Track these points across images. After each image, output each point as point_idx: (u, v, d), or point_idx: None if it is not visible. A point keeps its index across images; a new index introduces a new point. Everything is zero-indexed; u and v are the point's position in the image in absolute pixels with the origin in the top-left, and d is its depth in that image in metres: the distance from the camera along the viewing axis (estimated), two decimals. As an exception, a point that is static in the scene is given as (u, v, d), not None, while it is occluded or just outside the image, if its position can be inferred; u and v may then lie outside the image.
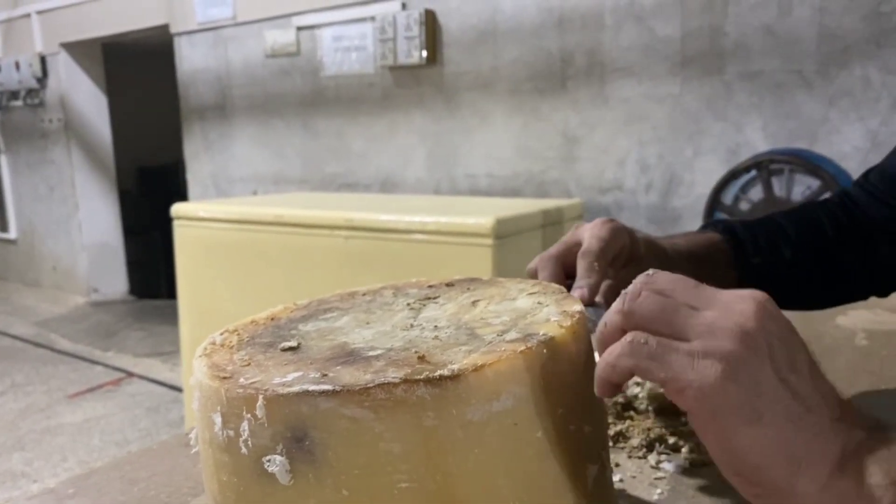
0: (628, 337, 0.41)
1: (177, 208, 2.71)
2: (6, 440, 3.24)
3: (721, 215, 2.50)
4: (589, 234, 0.64)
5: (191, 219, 2.66)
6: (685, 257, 0.71)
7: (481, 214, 2.11)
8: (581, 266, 0.61)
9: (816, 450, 0.38)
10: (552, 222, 2.44)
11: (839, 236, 0.78)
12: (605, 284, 0.62)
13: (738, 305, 0.40)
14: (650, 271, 0.44)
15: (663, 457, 0.67)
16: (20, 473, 2.93)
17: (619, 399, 0.76)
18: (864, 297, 0.82)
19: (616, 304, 0.44)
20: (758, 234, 0.76)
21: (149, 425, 3.39)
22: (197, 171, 4.63)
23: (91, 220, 5.76)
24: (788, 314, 0.46)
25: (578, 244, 0.64)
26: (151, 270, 6.10)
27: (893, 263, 0.78)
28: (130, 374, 4.09)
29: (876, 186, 0.80)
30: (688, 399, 0.39)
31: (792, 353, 0.40)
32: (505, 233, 2.09)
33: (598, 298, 0.60)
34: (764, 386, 0.38)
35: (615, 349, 0.42)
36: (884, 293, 0.81)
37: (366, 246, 2.26)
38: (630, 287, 0.44)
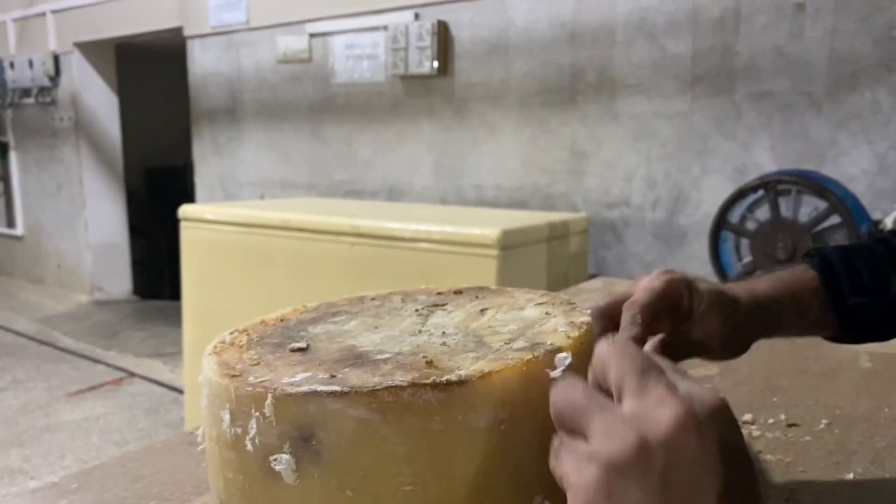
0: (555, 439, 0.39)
1: (184, 210, 2.73)
2: (5, 436, 3.25)
3: (727, 234, 2.50)
4: (642, 285, 0.60)
5: (198, 220, 2.67)
6: (764, 306, 0.64)
7: (487, 225, 2.12)
8: (623, 318, 0.57)
9: None
10: (558, 235, 2.45)
11: None
12: (652, 340, 0.59)
13: (658, 409, 0.35)
14: (604, 342, 0.40)
15: (664, 471, 0.67)
16: (18, 470, 2.93)
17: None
18: None
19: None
20: (860, 267, 0.67)
21: (148, 426, 3.39)
22: (205, 173, 4.64)
23: (97, 220, 5.78)
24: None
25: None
26: (155, 271, 6.11)
27: None
28: (131, 374, 4.09)
29: None
30: (569, 499, 0.36)
31: (700, 478, 0.34)
32: (510, 244, 2.10)
33: None
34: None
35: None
36: None
37: (371, 253, 2.27)
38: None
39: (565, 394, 0.39)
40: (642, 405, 0.35)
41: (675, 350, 0.61)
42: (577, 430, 0.37)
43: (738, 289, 0.65)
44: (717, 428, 0.35)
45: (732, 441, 0.36)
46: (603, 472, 0.34)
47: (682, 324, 0.61)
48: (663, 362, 0.39)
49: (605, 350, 0.39)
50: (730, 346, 0.64)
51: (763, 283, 0.66)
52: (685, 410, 0.34)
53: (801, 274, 0.68)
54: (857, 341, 0.70)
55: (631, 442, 0.34)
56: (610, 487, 0.34)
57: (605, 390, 0.39)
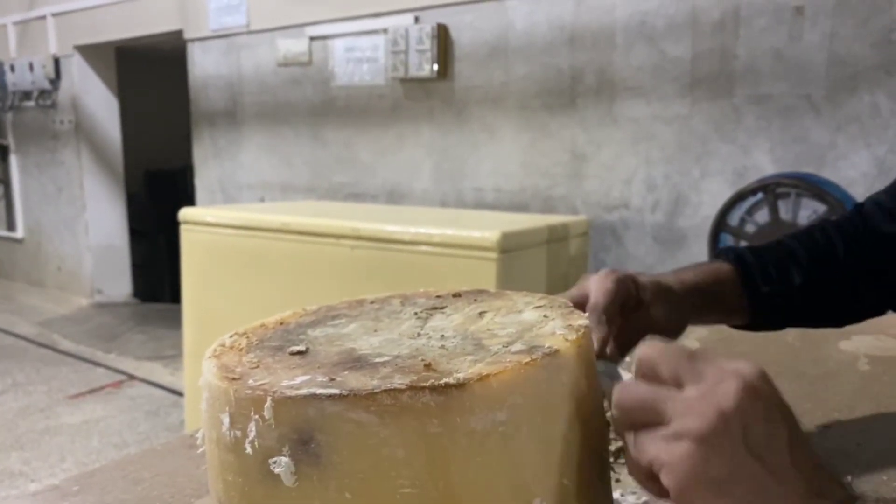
0: (626, 443, 0.45)
1: (184, 213, 2.73)
2: (5, 439, 3.25)
3: (727, 237, 2.51)
4: (595, 287, 0.67)
5: (198, 223, 2.68)
6: (693, 292, 0.73)
7: (487, 228, 2.12)
8: (590, 321, 0.63)
9: (779, 496, 0.40)
10: (557, 238, 2.45)
11: (851, 257, 0.78)
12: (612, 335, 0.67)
13: (720, 384, 0.41)
14: (644, 344, 0.46)
15: (663, 474, 0.67)
16: (18, 472, 2.93)
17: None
18: (880, 313, 0.82)
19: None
20: (767, 261, 0.77)
21: (148, 429, 3.39)
22: (205, 176, 4.65)
23: (98, 222, 5.78)
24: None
25: (586, 296, 0.67)
26: (155, 274, 6.11)
27: None
28: (131, 377, 4.09)
29: (890, 203, 0.80)
30: (663, 477, 0.41)
31: (771, 430, 0.41)
32: (510, 247, 2.10)
33: (608, 350, 0.65)
34: (734, 463, 0.40)
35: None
36: None
37: (371, 256, 2.27)
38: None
39: (630, 393, 0.44)
40: (706, 385, 0.41)
41: (630, 335, 0.70)
42: (651, 422, 0.42)
43: (671, 278, 0.74)
44: (768, 388, 0.42)
45: (779, 398, 0.43)
46: (694, 445, 0.40)
47: (633, 313, 0.69)
48: (700, 350, 0.44)
49: (649, 351, 0.45)
50: (671, 327, 0.73)
51: (689, 274, 0.75)
52: (742, 380, 0.41)
53: (718, 267, 0.77)
54: (761, 329, 0.80)
55: (710, 415, 0.40)
56: (703, 455, 0.40)
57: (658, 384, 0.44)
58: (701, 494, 0.40)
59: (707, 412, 0.40)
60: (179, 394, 3.72)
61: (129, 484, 0.68)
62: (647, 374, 0.45)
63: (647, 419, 0.43)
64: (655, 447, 0.42)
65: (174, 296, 4.30)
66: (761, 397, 0.41)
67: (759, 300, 0.76)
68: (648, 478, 0.43)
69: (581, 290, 0.68)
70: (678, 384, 0.43)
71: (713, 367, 0.42)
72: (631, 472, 0.45)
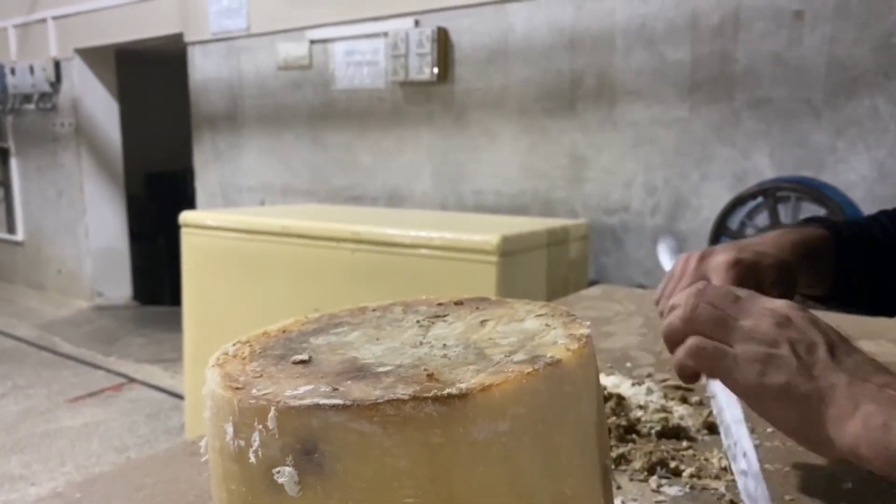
0: (690, 342, 0.55)
1: (185, 216, 2.73)
2: (5, 442, 3.25)
3: (727, 240, 2.51)
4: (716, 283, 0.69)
5: (198, 227, 2.68)
6: (802, 258, 0.76)
7: (487, 232, 2.12)
8: None
9: (827, 388, 0.50)
10: (557, 242, 2.45)
11: None
12: None
13: (765, 318, 0.53)
14: (701, 285, 0.57)
15: (664, 480, 0.67)
16: (18, 476, 2.93)
17: (622, 422, 0.76)
18: None
19: (678, 313, 0.56)
20: (861, 239, 0.82)
21: (148, 432, 3.39)
22: (205, 179, 4.65)
23: (98, 225, 5.79)
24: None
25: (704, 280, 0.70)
26: (156, 276, 6.12)
27: None
28: (132, 380, 4.09)
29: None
30: (738, 390, 0.53)
31: (810, 340, 0.52)
32: (510, 250, 2.10)
33: None
34: (787, 370, 0.51)
35: (681, 351, 0.55)
36: None
37: (372, 259, 2.27)
38: (687, 298, 0.56)
39: (707, 312, 0.55)
40: (758, 317, 0.53)
41: None
42: (720, 339, 0.54)
43: (789, 247, 0.76)
44: (799, 313, 0.53)
45: (813, 318, 0.54)
46: (759, 365, 0.51)
47: None
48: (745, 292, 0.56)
49: (711, 290, 0.56)
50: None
51: (800, 237, 0.79)
52: (782, 310, 0.53)
53: (822, 234, 0.81)
54: (831, 303, 0.87)
55: (766, 339, 0.52)
56: (766, 369, 0.51)
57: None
58: (769, 403, 0.52)
59: (762, 338, 0.52)
60: (180, 397, 3.72)
61: (131, 490, 0.68)
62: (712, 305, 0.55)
63: (717, 336, 0.54)
64: (728, 366, 0.53)
65: (174, 299, 4.30)
66: (795, 321, 0.53)
67: (845, 273, 0.80)
68: (689, 377, 0.56)
69: (700, 271, 0.70)
70: (735, 317, 0.54)
71: (758, 304, 0.54)
72: (678, 368, 0.56)
